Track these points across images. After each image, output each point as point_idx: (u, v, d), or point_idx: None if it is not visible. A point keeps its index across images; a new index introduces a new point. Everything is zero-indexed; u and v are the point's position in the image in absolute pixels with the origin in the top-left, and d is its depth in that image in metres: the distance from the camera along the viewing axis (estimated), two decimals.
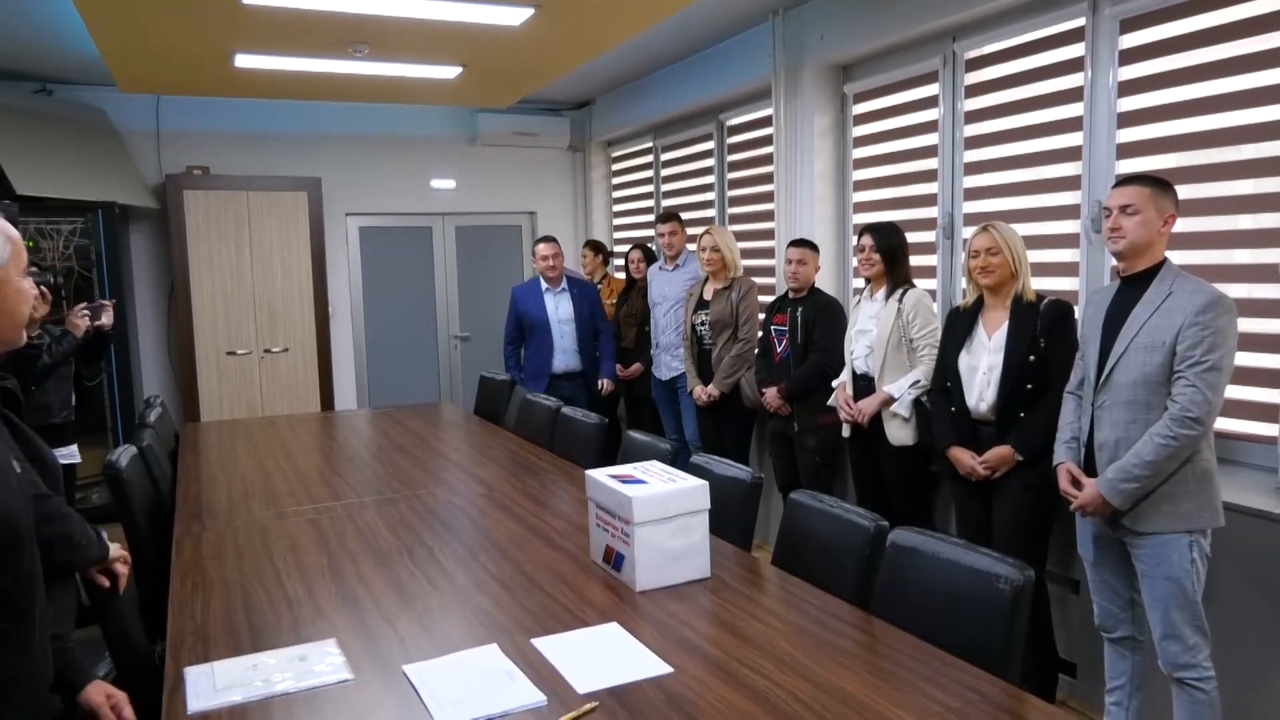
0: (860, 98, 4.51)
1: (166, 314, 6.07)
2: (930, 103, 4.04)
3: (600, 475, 2.32)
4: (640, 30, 4.27)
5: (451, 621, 2.01)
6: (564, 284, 5.10)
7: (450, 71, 4.86)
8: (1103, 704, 2.69)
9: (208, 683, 1.72)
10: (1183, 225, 2.89)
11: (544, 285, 5.06)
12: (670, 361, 4.79)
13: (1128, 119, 3.18)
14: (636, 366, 5.23)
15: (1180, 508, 2.33)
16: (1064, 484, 2.55)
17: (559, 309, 5.05)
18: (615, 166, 7.22)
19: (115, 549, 1.99)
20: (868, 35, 4.15)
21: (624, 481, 2.24)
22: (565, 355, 5.04)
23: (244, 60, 4.50)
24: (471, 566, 2.37)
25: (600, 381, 5.13)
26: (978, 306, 3.00)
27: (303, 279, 6.10)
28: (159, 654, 2.09)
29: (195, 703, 1.64)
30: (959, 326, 3.03)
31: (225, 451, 3.95)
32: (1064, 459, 2.59)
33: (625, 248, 6.38)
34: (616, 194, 7.23)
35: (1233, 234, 2.89)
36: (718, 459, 2.78)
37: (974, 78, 3.83)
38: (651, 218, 6.55)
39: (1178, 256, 2.60)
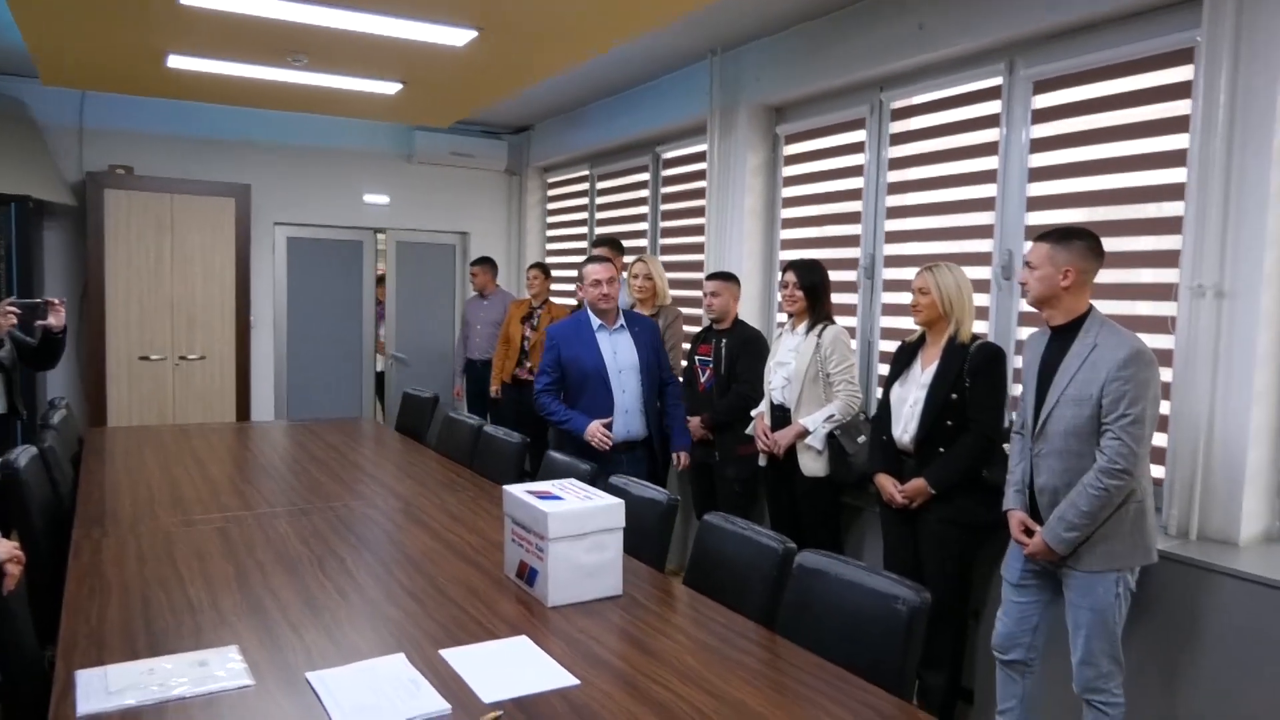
0: (791, 139, 4.66)
1: (78, 314, 5.87)
2: (857, 148, 4.20)
3: (517, 491, 2.33)
4: (580, 60, 4.34)
5: (359, 631, 1.99)
6: (621, 319, 3.76)
7: (390, 87, 4.86)
8: None
9: (100, 685, 1.67)
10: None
11: (595, 321, 3.71)
12: None
13: (1038, 174, 3.36)
14: None
15: (1115, 547, 2.45)
16: (1016, 533, 2.66)
17: (618, 354, 3.69)
18: (551, 192, 7.27)
19: (6, 548, 1.92)
20: (800, 80, 4.31)
21: (541, 497, 2.26)
22: (628, 418, 3.66)
23: (177, 61, 4.42)
24: (383, 579, 2.35)
25: (676, 456, 3.82)
26: (920, 342, 3.13)
27: (225, 286, 5.97)
28: (49, 659, 2.02)
29: (85, 705, 1.59)
30: (901, 360, 3.16)
31: (132, 457, 3.83)
32: (1013, 505, 2.69)
33: (558, 273, 6.46)
34: (551, 219, 7.28)
35: (1134, 287, 3.06)
36: (636, 480, 2.82)
37: (899, 126, 4.00)
38: (584, 244, 6.62)
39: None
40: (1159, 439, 2.90)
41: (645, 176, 5.88)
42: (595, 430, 3.55)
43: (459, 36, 3.82)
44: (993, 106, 3.54)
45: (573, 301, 5.67)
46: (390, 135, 6.83)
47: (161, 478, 3.46)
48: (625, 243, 5.39)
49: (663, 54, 4.90)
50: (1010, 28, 3.31)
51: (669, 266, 5.31)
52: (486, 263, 6.32)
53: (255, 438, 4.50)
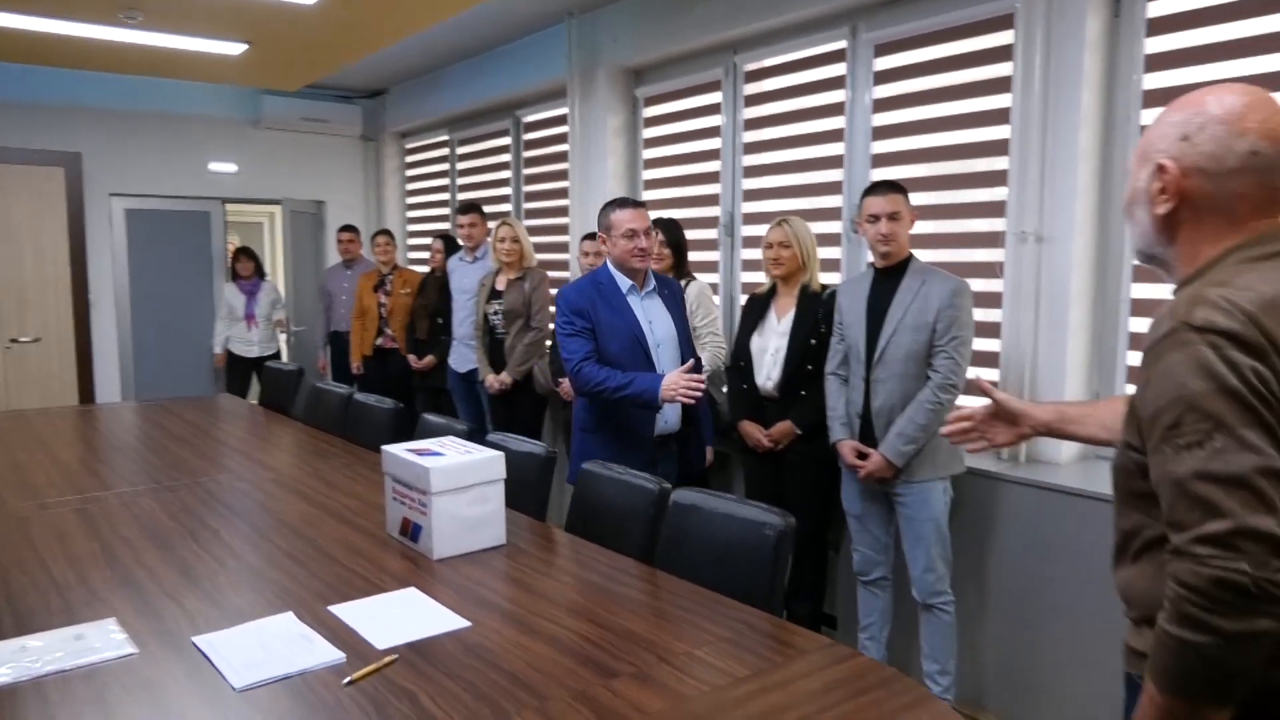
0: (650, 101, 4.75)
1: None
2: (714, 109, 4.34)
3: (397, 450, 2.35)
4: (438, 20, 4.29)
5: (242, 595, 1.98)
6: (652, 280, 3.10)
7: (234, 48, 4.64)
8: (857, 643, 3.03)
9: None
10: (925, 227, 3.30)
11: (623, 282, 3.01)
12: (468, 354, 4.81)
13: (881, 132, 3.58)
14: (430, 359, 5.21)
15: (938, 458, 2.79)
16: (849, 458, 2.89)
17: (654, 324, 3.01)
18: (410, 159, 7.12)
19: None
20: (657, 43, 4.40)
21: (421, 454, 2.29)
22: (667, 406, 2.95)
23: None
24: (262, 545, 2.33)
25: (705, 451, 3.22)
26: (771, 294, 3.29)
27: (59, 263, 5.60)
28: None
29: None
30: (754, 311, 3.32)
31: None
32: (842, 436, 2.94)
33: (421, 240, 6.37)
34: (411, 185, 7.14)
35: (967, 236, 3.33)
36: (514, 436, 2.88)
37: (753, 88, 4.16)
38: (447, 210, 6.54)
39: (925, 255, 3.00)
40: (992, 374, 3.19)
41: (507, 141, 5.86)
42: (677, 382, 2.77)
43: None
44: (838, 69, 3.74)
45: (425, 269, 5.58)
46: (235, 100, 6.52)
47: (4, 463, 3.26)
48: (488, 208, 5.36)
49: (520, 16, 4.89)
50: None
51: (533, 230, 5.34)
52: (356, 230, 6.17)
53: (105, 419, 4.28)
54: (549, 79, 5.12)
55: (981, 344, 3.19)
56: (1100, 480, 2.74)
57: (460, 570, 2.14)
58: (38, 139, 5.72)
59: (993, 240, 3.21)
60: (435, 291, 5.21)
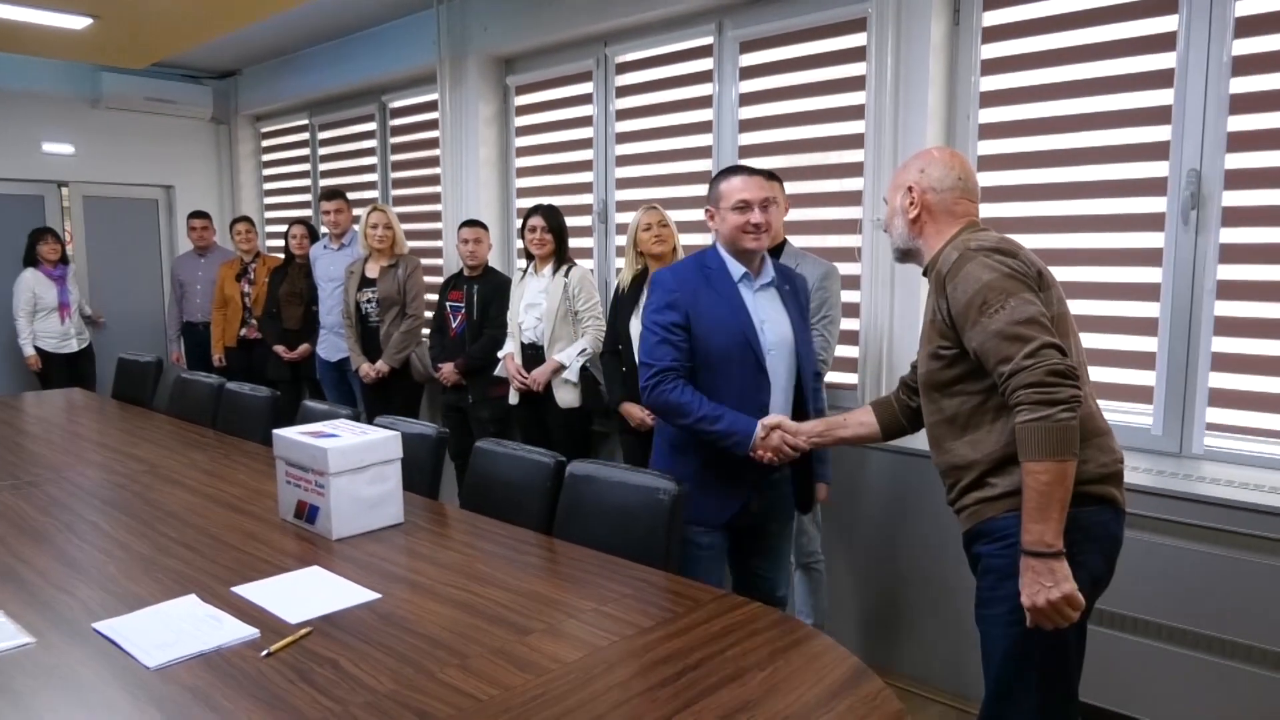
0: (522, 90, 4.81)
1: None
2: (586, 99, 4.44)
3: (290, 433, 2.35)
4: (303, 0, 4.19)
5: (138, 583, 1.95)
6: (769, 269, 2.45)
7: (77, 21, 4.37)
8: None
9: None
10: (790, 215, 3.52)
11: (734, 269, 2.38)
12: (338, 342, 4.73)
13: (747, 125, 3.79)
14: (305, 347, 5.07)
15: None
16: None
17: (767, 324, 2.36)
18: (266, 143, 6.88)
19: None
20: (528, 32, 4.46)
21: (317, 436, 2.30)
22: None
23: None
24: (149, 535, 2.28)
25: (817, 486, 2.69)
26: (642, 277, 3.42)
27: None
28: None
29: None
30: (628, 296, 3.43)
31: None
32: None
33: (279, 227, 6.16)
34: (268, 171, 6.90)
35: (828, 223, 3.57)
36: (402, 419, 2.90)
37: (624, 79, 4.28)
38: (309, 196, 6.37)
39: (797, 242, 3.21)
40: (851, 350, 3.44)
41: (372, 126, 5.76)
42: (774, 444, 2.22)
43: None
44: (706, 63, 3.91)
45: (283, 256, 5.41)
46: (71, 76, 6.11)
47: None
48: (353, 195, 5.26)
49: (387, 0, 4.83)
50: None
51: (403, 217, 5.29)
52: (209, 217, 5.90)
53: None
54: (417, 65, 5.08)
55: (844, 323, 3.44)
56: None
57: (361, 548, 2.18)
58: None
59: (851, 227, 3.47)
60: (304, 278, 5.09)
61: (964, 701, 2.96)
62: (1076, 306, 2.92)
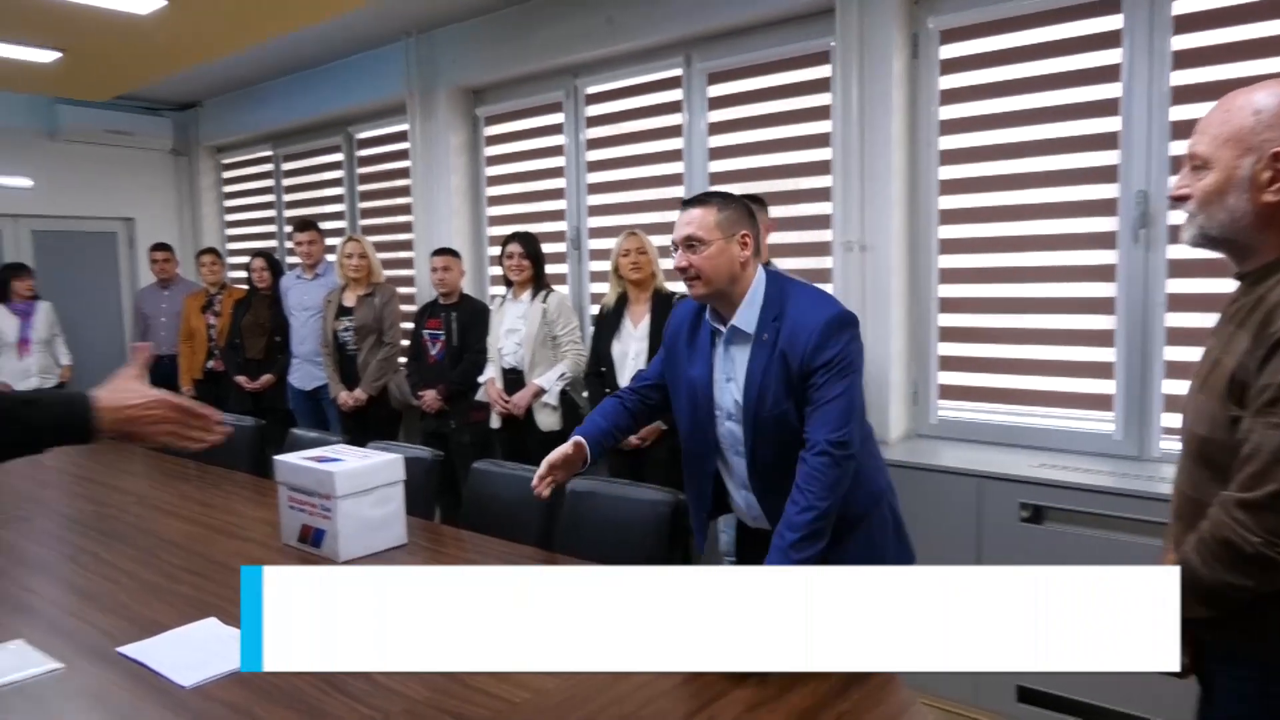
0: (491, 120, 4.90)
1: None
2: (556, 129, 4.55)
3: (292, 458, 2.40)
4: (281, 33, 4.26)
5: (153, 609, 1.98)
6: (744, 317, 1.96)
7: (45, 56, 4.38)
8: None
9: None
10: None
11: (712, 315, 2.02)
12: (313, 370, 4.75)
13: (717, 153, 3.93)
14: (268, 378, 5.06)
15: None
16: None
17: (735, 381, 1.97)
18: (227, 175, 6.86)
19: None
20: (498, 65, 4.56)
21: (321, 461, 2.35)
22: (739, 496, 2.11)
23: None
24: (153, 563, 2.30)
25: None
26: (623, 302, 3.52)
27: None
28: None
29: None
30: (609, 320, 3.53)
31: None
32: None
33: (241, 259, 6.14)
34: (230, 203, 6.88)
35: (799, 246, 3.71)
36: (396, 444, 2.95)
37: (594, 110, 4.41)
38: (273, 228, 6.37)
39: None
40: None
41: (339, 157, 5.80)
42: (539, 476, 2.12)
43: (145, 4, 3.59)
44: (676, 94, 4.05)
45: (245, 289, 5.38)
46: (26, 108, 6.04)
47: None
48: (323, 225, 5.28)
49: (353, 33, 4.88)
50: (687, 26, 3.82)
51: (375, 247, 5.32)
52: (171, 249, 5.86)
53: None
54: (384, 96, 5.15)
55: None
56: (924, 453, 3.17)
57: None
58: None
59: (822, 250, 3.61)
60: (268, 309, 5.08)
61: (964, 705, 3.06)
62: (1037, 320, 3.12)
